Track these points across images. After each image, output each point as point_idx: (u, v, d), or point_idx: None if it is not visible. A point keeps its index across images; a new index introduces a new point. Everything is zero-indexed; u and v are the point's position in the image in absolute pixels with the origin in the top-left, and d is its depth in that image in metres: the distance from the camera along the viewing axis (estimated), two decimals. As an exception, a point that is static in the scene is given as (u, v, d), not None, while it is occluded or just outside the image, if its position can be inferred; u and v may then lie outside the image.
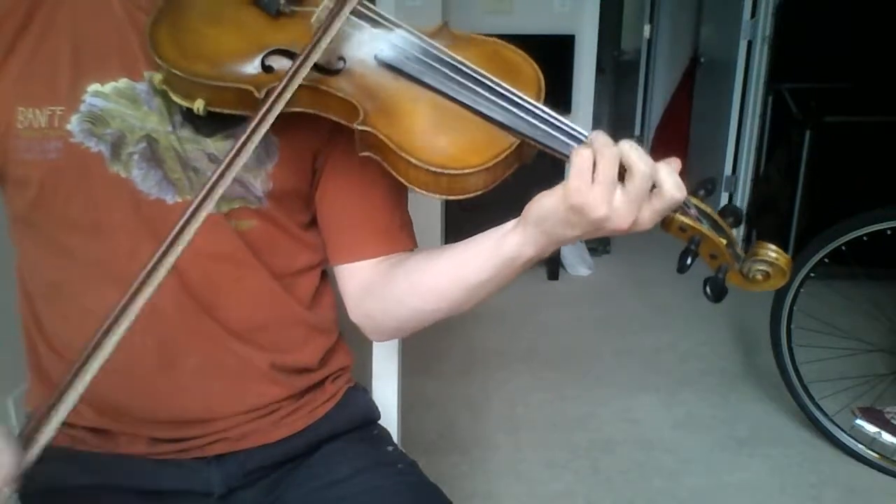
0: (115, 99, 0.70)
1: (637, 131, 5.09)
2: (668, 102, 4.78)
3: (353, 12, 0.65)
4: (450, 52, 0.65)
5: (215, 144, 0.72)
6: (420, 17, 3.09)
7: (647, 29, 4.96)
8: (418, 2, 3.15)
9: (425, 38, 0.66)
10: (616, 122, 5.40)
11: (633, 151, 0.58)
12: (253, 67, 0.65)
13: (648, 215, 0.60)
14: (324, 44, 0.61)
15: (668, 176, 0.59)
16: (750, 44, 3.53)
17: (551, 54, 3.45)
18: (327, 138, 0.75)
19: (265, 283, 0.78)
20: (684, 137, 4.46)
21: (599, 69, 3.61)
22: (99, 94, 0.70)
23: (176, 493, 0.79)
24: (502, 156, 0.62)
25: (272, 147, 0.75)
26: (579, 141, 0.62)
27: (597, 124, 3.74)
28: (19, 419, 1.72)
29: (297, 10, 0.67)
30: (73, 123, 0.69)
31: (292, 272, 0.81)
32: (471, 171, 0.62)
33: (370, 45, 0.66)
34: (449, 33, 0.69)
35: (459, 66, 0.64)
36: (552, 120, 0.63)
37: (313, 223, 0.82)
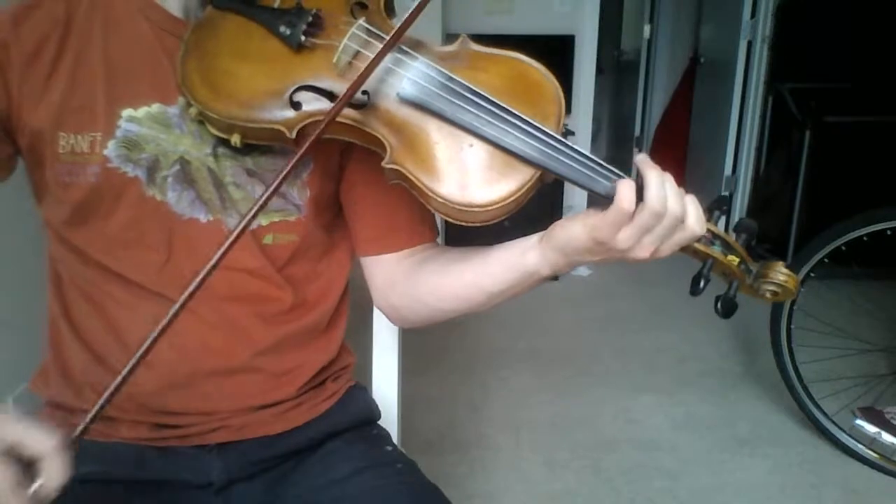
0: (148, 124, 0.72)
1: (637, 131, 5.09)
2: (668, 102, 4.78)
3: (377, 43, 0.66)
4: (469, 84, 0.65)
5: (254, 160, 0.75)
6: (420, 17, 3.08)
7: (647, 29, 4.97)
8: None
9: (444, 69, 0.65)
10: (616, 122, 5.41)
11: (672, 196, 0.60)
12: (282, 105, 0.66)
13: (668, 247, 0.63)
14: (358, 90, 0.62)
15: (694, 212, 0.62)
16: (750, 44, 3.54)
17: (551, 54, 3.43)
18: None
19: (287, 297, 0.80)
20: (684, 137, 4.46)
21: (599, 69, 3.61)
22: (133, 119, 0.72)
23: (175, 484, 0.79)
24: (525, 187, 0.63)
25: (307, 157, 0.76)
26: (597, 172, 0.63)
27: (597, 124, 3.74)
28: (19, 419, 1.71)
29: (318, 42, 0.67)
30: (110, 149, 0.71)
31: (317, 279, 0.83)
32: (496, 206, 0.63)
33: (392, 80, 0.66)
34: (469, 51, 0.69)
35: (479, 100, 0.64)
36: (571, 153, 0.63)
37: (339, 217, 0.85)
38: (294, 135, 0.65)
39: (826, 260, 1.91)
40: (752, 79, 3.54)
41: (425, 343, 2.59)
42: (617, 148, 5.36)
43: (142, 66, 0.73)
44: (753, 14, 3.50)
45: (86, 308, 0.78)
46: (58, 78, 0.71)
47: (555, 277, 3.42)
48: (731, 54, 3.63)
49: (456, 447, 2.04)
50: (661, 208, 0.60)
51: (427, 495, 0.81)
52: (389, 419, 0.99)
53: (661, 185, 0.60)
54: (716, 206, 0.67)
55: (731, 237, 0.66)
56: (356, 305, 0.90)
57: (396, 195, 0.79)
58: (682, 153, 4.42)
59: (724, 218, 0.69)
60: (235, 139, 0.67)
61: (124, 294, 0.75)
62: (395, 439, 0.96)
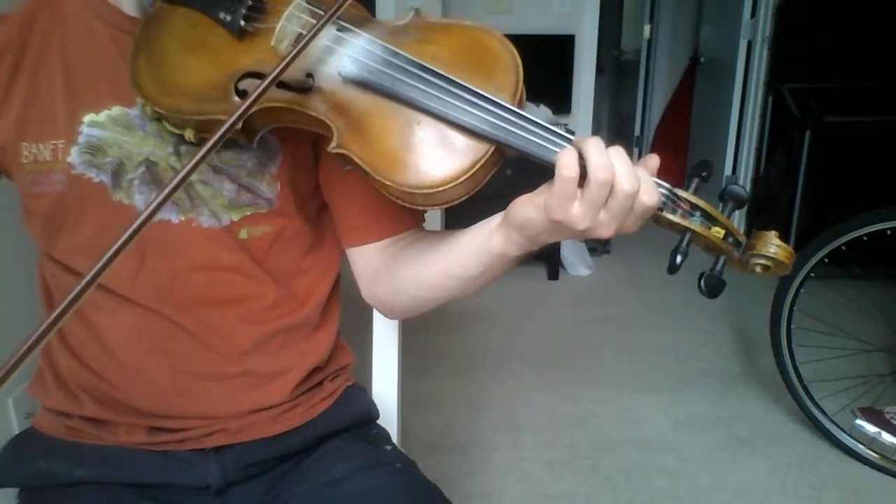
0: (110, 127, 0.72)
1: (637, 131, 5.08)
2: (668, 102, 4.78)
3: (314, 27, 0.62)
4: (414, 58, 0.61)
5: (218, 156, 0.74)
6: (420, 17, 3.08)
7: (647, 29, 4.96)
8: (418, 2, 3.16)
9: (388, 44, 0.63)
10: (616, 122, 5.40)
11: (621, 168, 0.55)
12: (228, 95, 0.64)
13: (631, 222, 0.58)
14: (284, 67, 0.58)
15: (645, 187, 0.56)
16: (750, 44, 3.54)
17: (551, 54, 3.46)
18: None
19: (271, 292, 0.79)
20: (684, 137, 4.46)
21: (599, 69, 3.61)
22: (95, 123, 0.71)
23: (174, 486, 0.79)
24: (478, 165, 0.60)
25: (273, 149, 0.76)
26: (557, 144, 0.58)
27: (597, 124, 3.74)
28: (19, 419, 1.72)
29: (260, 27, 0.65)
30: (74, 155, 0.71)
31: (301, 274, 0.83)
32: (447, 187, 0.60)
33: (335, 60, 0.63)
34: (421, 25, 0.66)
35: (425, 74, 0.61)
36: (527, 125, 0.59)
37: (325, 208, 0.84)
38: (241, 125, 0.60)
39: (826, 260, 1.91)
40: (752, 79, 3.53)
41: (425, 343, 2.59)
42: (617, 148, 5.35)
43: (100, 69, 0.72)
44: (753, 14, 3.50)
45: (71, 320, 0.78)
46: (17, 91, 0.71)
47: (555, 277, 3.37)
48: (731, 54, 3.63)
49: (456, 447, 2.04)
50: (606, 176, 0.54)
51: (427, 495, 0.81)
52: (389, 419, 0.99)
53: (602, 152, 0.55)
54: (695, 173, 0.60)
55: (715, 207, 0.60)
56: (356, 305, 0.89)
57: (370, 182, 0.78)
58: (682, 153, 4.42)
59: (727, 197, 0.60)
60: (189, 134, 0.65)
61: (105, 300, 0.75)
62: (394, 439, 0.96)
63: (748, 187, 3.65)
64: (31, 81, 0.71)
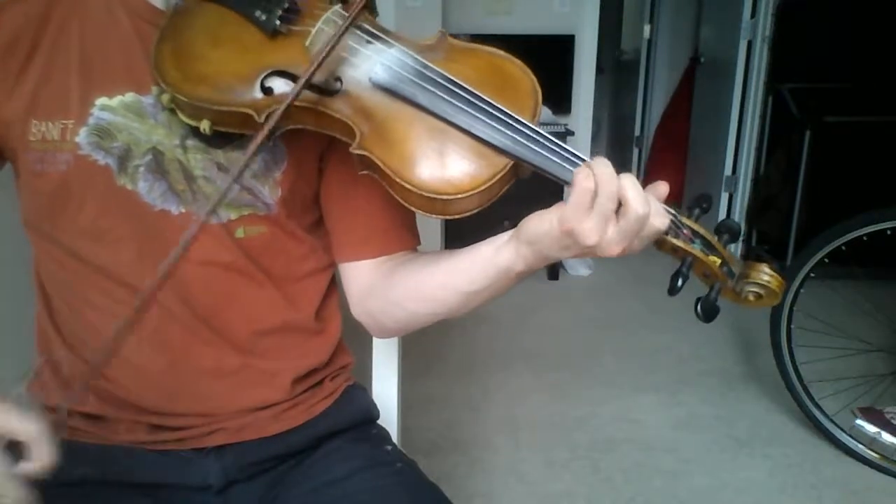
0: (122, 113, 0.72)
1: (637, 131, 5.09)
2: (668, 102, 4.77)
3: (351, 32, 0.66)
4: (444, 72, 0.64)
5: (225, 155, 0.74)
6: (420, 18, 3.08)
7: (647, 29, 4.96)
8: (418, 2, 3.15)
9: (419, 57, 0.66)
10: (616, 122, 5.41)
11: (632, 190, 0.58)
12: (253, 90, 0.66)
13: (638, 244, 0.61)
14: (319, 66, 0.62)
15: (655, 211, 0.60)
16: (750, 44, 3.53)
17: (551, 54, 3.46)
18: (330, 139, 0.77)
19: (267, 291, 0.80)
20: (684, 137, 4.45)
21: (599, 69, 3.61)
22: (107, 107, 0.72)
23: (174, 486, 0.79)
24: (496, 178, 0.62)
25: (280, 154, 0.77)
26: (574, 164, 0.62)
27: (597, 124, 3.74)
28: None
29: (294, 28, 0.67)
30: (82, 136, 0.71)
31: (299, 277, 0.83)
32: (464, 195, 0.62)
33: (365, 66, 0.66)
34: (447, 44, 0.69)
35: (453, 87, 0.64)
36: (546, 143, 0.62)
37: (320, 221, 0.84)
38: (263, 118, 0.64)
39: (826, 260, 1.91)
40: (752, 79, 3.53)
41: (425, 344, 2.59)
42: (617, 148, 5.37)
43: (118, 56, 0.73)
44: (753, 14, 3.50)
45: (66, 312, 0.78)
46: (32, 69, 0.71)
47: (555, 277, 3.38)
48: (731, 54, 3.62)
49: (456, 447, 2.04)
50: (611, 187, 0.58)
51: (427, 494, 0.81)
52: (389, 419, 0.99)
53: (607, 165, 0.59)
54: (696, 204, 0.65)
55: (714, 237, 0.64)
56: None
57: (375, 200, 0.79)
58: (682, 153, 4.41)
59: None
60: (205, 125, 0.66)
61: (100, 297, 0.75)
62: (395, 439, 0.96)
63: (748, 187, 3.65)
64: (48, 61, 0.72)
